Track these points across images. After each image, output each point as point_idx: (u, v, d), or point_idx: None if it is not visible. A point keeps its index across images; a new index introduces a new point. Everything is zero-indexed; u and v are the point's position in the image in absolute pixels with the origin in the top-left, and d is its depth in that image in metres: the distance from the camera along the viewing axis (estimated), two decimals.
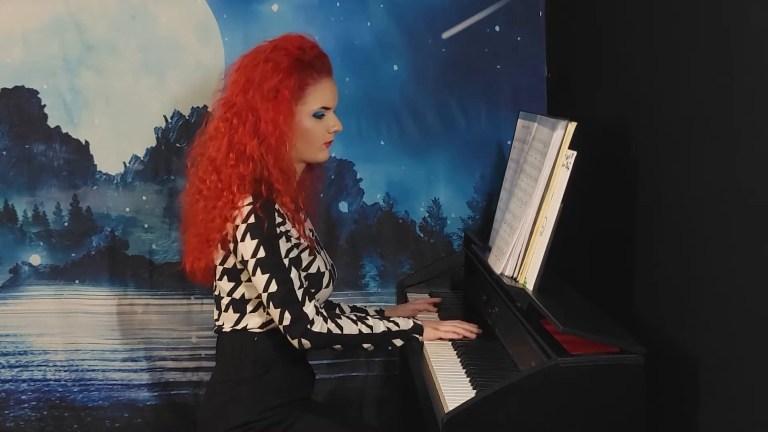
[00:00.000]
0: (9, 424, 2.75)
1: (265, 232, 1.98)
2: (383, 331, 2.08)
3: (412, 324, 2.14)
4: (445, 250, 2.81)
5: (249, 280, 2.05)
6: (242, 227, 2.00)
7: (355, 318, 2.08)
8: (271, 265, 1.98)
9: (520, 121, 2.40)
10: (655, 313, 2.00)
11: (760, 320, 1.56)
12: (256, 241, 1.99)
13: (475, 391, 1.90)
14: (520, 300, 1.98)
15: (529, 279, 2.01)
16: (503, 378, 1.82)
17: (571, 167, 1.94)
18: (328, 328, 2.00)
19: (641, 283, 2.08)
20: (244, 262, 2.02)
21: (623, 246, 2.15)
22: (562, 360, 1.72)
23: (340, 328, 2.02)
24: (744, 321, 1.62)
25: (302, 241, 2.09)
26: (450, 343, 2.21)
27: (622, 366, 1.73)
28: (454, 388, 1.92)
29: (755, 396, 1.59)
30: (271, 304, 1.99)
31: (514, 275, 2.09)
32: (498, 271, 2.13)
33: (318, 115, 2.10)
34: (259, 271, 1.99)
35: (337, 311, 2.36)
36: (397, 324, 2.12)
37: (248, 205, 2.00)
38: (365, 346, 2.08)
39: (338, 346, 2.04)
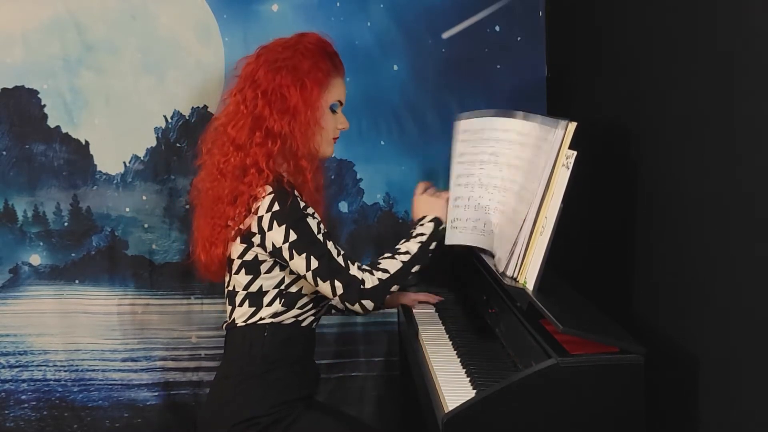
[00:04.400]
0: (9, 424, 2.75)
1: (291, 216, 2.00)
2: (419, 248, 2.13)
3: (431, 225, 2.18)
4: (445, 250, 2.81)
5: (269, 271, 2.06)
6: (267, 216, 2.00)
7: (390, 254, 2.11)
8: (305, 244, 1.99)
9: (463, 122, 2.34)
10: (655, 313, 2.00)
11: (759, 320, 1.56)
12: (284, 226, 1.99)
13: (475, 391, 1.90)
14: (520, 300, 1.98)
15: (529, 279, 2.01)
16: (503, 378, 1.82)
17: (571, 167, 1.94)
18: (379, 278, 2.03)
19: (641, 283, 2.08)
20: (278, 250, 2.01)
21: (623, 246, 2.15)
22: (562, 360, 1.72)
23: (387, 271, 2.05)
24: (744, 321, 1.62)
25: (322, 225, 2.11)
26: (450, 343, 2.21)
27: (621, 366, 1.73)
28: (454, 388, 1.92)
29: (755, 396, 1.59)
30: (318, 280, 2.00)
31: (514, 275, 2.09)
32: (500, 268, 2.13)
33: (333, 109, 2.13)
34: (295, 253, 2.00)
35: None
36: (422, 233, 2.16)
37: (269, 194, 2.01)
38: (413, 270, 2.11)
39: (395, 287, 2.07)
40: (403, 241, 2.17)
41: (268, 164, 2.03)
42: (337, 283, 2.00)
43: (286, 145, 2.04)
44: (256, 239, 2.03)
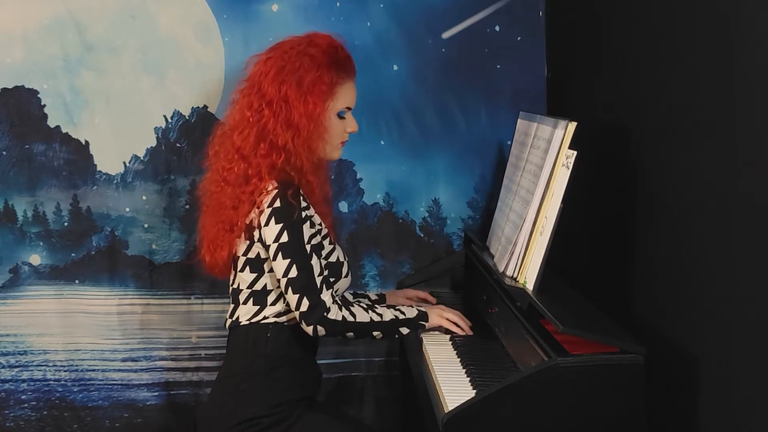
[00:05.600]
0: (9, 424, 2.75)
1: (289, 217, 2.00)
2: (391, 320, 2.11)
3: (416, 312, 2.17)
4: (445, 250, 2.81)
5: (272, 270, 2.06)
6: (267, 211, 2.01)
7: (365, 306, 2.10)
8: (293, 250, 2.00)
9: (520, 121, 2.41)
10: (655, 313, 2.00)
11: (760, 320, 1.56)
12: (280, 225, 2.00)
13: (475, 391, 1.90)
14: (520, 300, 1.98)
15: (529, 279, 2.01)
16: (503, 378, 1.82)
17: (571, 167, 1.94)
18: (343, 316, 2.03)
19: (641, 283, 2.08)
20: (267, 247, 2.03)
21: (623, 246, 2.15)
22: (562, 360, 1.72)
23: (354, 315, 2.05)
24: (744, 321, 1.62)
25: (323, 227, 2.12)
26: (450, 343, 2.21)
27: (622, 366, 1.73)
28: (454, 388, 1.92)
29: (755, 396, 1.59)
30: (289, 289, 2.01)
31: (514, 275, 2.09)
32: (501, 269, 2.13)
33: (341, 115, 2.12)
34: (280, 255, 2.00)
35: (349, 298, 2.39)
36: (403, 312, 2.15)
37: (274, 189, 2.02)
38: (374, 333, 2.10)
39: (350, 334, 2.07)
40: (386, 305, 2.19)
41: (270, 174, 2.04)
42: (305, 301, 2.00)
43: (291, 161, 2.05)
44: (256, 234, 2.04)
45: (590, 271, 2.39)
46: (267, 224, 2.01)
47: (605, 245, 2.30)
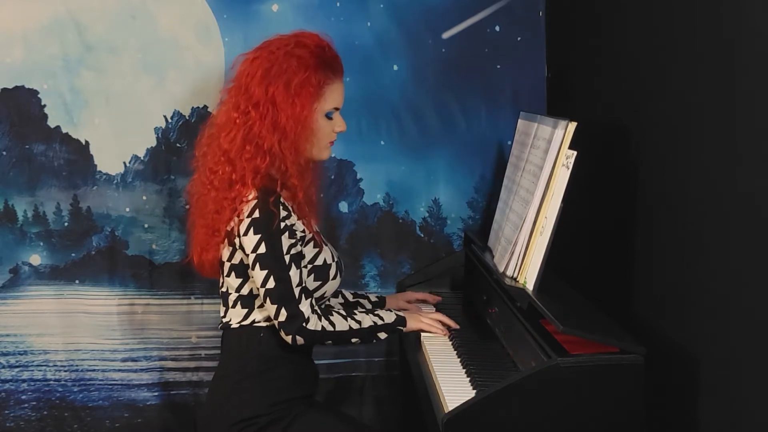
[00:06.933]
0: (9, 424, 2.75)
1: (268, 228, 2.00)
2: (369, 326, 2.12)
3: (395, 317, 2.17)
4: (445, 250, 2.81)
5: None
6: (246, 221, 2.01)
7: (345, 313, 2.11)
8: (271, 261, 2.00)
9: (520, 122, 2.41)
10: (655, 313, 2.00)
11: (760, 320, 1.56)
12: (258, 236, 2.00)
13: (475, 391, 1.90)
14: (520, 300, 1.98)
15: (529, 279, 2.01)
16: (503, 378, 1.82)
17: (571, 167, 1.94)
18: (322, 326, 2.03)
19: (641, 283, 2.08)
20: (246, 256, 2.03)
21: (623, 246, 2.15)
22: (562, 360, 1.72)
23: (333, 325, 2.05)
24: (744, 321, 1.62)
25: (307, 233, 2.10)
26: (450, 343, 2.21)
27: (622, 366, 1.73)
28: (454, 388, 1.92)
29: (755, 396, 1.59)
30: (268, 299, 2.01)
31: (514, 275, 2.09)
32: (501, 269, 2.13)
33: (329, 116, 2.11)
34: (258, 266, 2.00)
35: (349, 297, 2.41)
36: (381, 318, 2.15)
37: (254, 199, 2.01)
38: (353, 340, 2.11)
39: (329, 342, 2.07)
40: (364, 310, 2.18)
41: (254, 180, 2.03)
42: (283, 311, 2.00)
43: (275, 164, 2.04)
44: (237, 241, 2.04)
45: (590, 271, 2.39)
46: (246, 234, 2.01)
47: (605, 245, 2.30)
